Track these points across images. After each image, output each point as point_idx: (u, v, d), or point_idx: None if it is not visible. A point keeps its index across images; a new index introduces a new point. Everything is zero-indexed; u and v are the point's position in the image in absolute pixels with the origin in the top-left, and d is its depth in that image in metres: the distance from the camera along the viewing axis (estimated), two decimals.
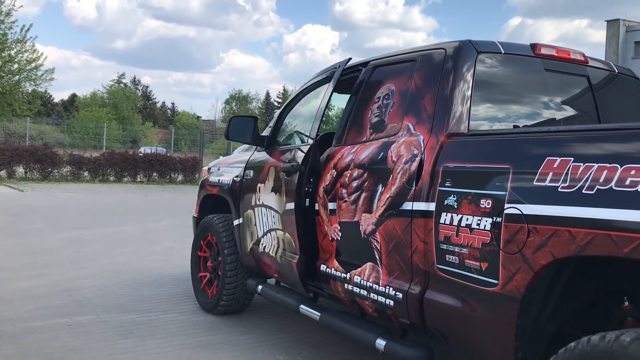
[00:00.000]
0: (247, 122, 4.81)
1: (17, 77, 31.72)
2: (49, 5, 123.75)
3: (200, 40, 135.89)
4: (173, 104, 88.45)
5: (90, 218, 11.80)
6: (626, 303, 2.48)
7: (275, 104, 70.49)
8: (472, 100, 3.11)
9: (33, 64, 31.97)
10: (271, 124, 4.95)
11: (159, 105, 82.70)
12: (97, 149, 29.86)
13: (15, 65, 31.96)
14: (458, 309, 2.77)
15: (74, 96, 74.63)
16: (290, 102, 4.82)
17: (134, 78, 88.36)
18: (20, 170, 20.67)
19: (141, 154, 24.14)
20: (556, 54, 3.51)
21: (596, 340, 2.07)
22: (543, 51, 3.44)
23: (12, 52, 31.09)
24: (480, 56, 3.22)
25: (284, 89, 74.96)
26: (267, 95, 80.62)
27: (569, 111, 3.55)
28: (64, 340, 4.37)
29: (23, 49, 31.28)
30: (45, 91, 41.64)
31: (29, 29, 31.99)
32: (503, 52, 3.33)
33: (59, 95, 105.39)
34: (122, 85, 70.85)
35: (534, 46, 3.44)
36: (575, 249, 2.22)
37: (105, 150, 25.53)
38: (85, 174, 22.06)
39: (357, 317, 3.68)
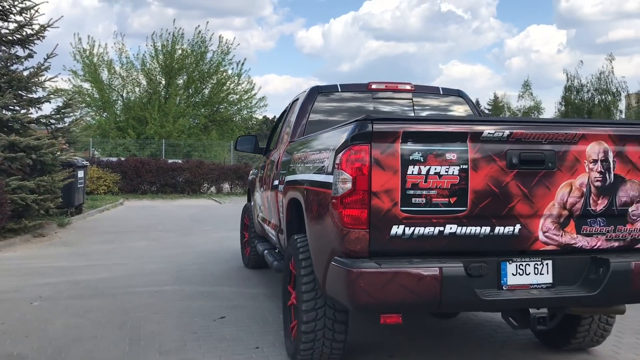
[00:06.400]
0: (250, 139, 7.41)
1: (235, 106, 36.63)
2: (282, 38, 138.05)
3: (420, 54, 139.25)
4: None
5: None
6: None
7: (485, 110, 69.62)
8: (307, 122, 5.16)
9: (248, 94, 36.72)
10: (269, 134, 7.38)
11: None
12: None
13: (236, 96, 36.95)
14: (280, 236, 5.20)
15: None
16: (280, 119, 6.82)
17: None
18: (226, 186, 24.46)
19: None
20: (385, 87, 5.29)
21: None
22: (373, 86, 5.33)
23: (232, 85, 36.07)
24: (320, 96, 5.32)
25: (495, 96, 73.82)
26: (477, 102, 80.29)
27: None
28: (144, 299, 6.28)
29: (240, 81, 36.11)
30: (271, 117, 46.83)
31: (243, 64, 36.85)
32: (340, 91, 5.30)
33: None
34: None
35: (367, 85, 5.27)
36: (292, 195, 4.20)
37: None
38: None
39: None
